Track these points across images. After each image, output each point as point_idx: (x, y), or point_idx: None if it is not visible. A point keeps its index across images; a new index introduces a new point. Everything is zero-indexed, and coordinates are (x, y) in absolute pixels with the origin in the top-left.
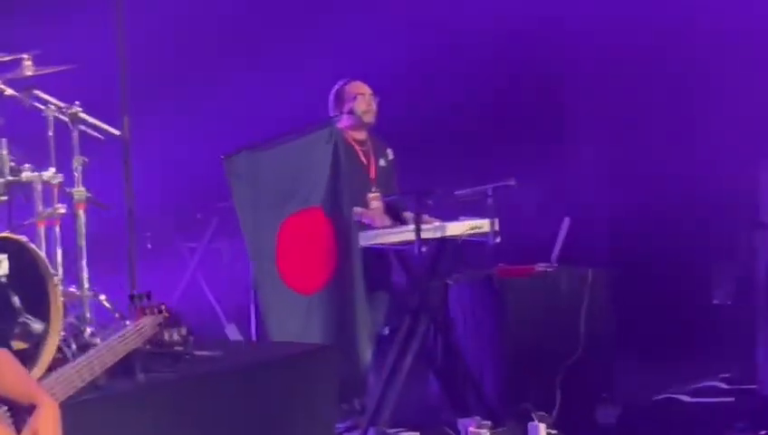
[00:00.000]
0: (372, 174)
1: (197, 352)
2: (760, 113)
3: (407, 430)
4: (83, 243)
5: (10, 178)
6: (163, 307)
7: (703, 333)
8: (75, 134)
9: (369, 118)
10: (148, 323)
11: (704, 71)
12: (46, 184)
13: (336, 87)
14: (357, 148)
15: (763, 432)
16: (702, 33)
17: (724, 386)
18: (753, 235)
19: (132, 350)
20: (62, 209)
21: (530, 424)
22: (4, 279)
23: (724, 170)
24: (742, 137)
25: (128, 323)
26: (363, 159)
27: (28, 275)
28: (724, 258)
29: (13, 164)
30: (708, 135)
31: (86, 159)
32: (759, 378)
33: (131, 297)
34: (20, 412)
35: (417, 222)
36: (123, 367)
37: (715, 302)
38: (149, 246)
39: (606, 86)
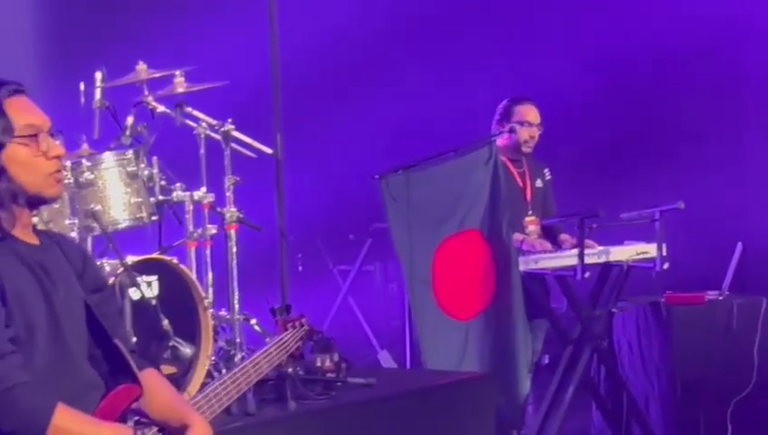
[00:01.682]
0: (528, 196)
1: (350, 380)
2: None
3: None
4: (235, 265)
5: (161, 197)
6: (304, 320)
7: None
8: (227, 153)
9: (528, 148)
10: (290, 337)
11: None
12: (197, 204)
13: (505, 103)
14: (513, 169)
15: None
16: None
17: None
18: None
19: (276, 365)
20: (212, 230)
21: None
22: (154, 301)
23: None
24: None
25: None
26: (519, 180)
27: (178, 298)
28: None
29: (164, 183)
30: None
31: (238, 179)
32: None
33: (273, 311)
34: (171, 433)
35: (581, 246)
36: (275, 394)
37: None
38: (300, 268)
39: None
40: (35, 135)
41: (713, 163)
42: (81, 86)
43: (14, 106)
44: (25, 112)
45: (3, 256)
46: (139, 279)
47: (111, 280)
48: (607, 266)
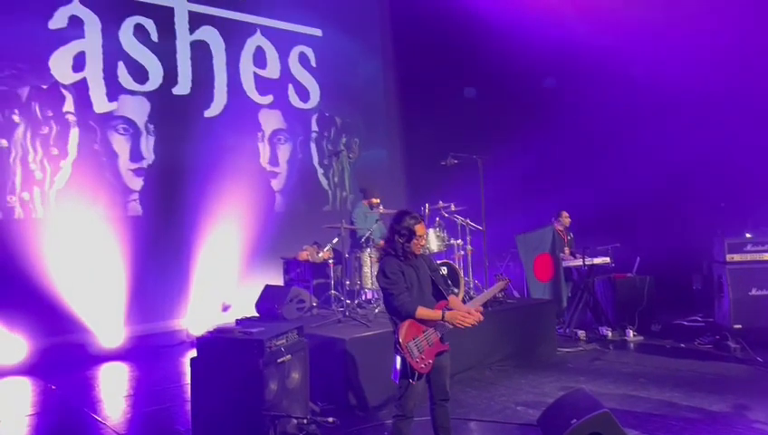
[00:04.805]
0: None
1: None
2: None
3: None
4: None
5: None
6: (501, 275)
7: None
8: None
9: None
10: (500, 285)
11: None
12: None
13: None
14: None
15: None
16: None
17: None
18: None
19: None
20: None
21: None
22: (445, 273)
23: None
24: None
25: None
26: None
27: (452, 274)
28: None
29: None
30: None
31: None
32: None
33: (497, 276)
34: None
35: None
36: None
37: None
38: None
39: None
40: (420, 237)
41: None
42: None
43: (417, 227)
44: (420, 229)
45: (405, 263)
46: (442, 268)
47: (442, 270)
48: None
